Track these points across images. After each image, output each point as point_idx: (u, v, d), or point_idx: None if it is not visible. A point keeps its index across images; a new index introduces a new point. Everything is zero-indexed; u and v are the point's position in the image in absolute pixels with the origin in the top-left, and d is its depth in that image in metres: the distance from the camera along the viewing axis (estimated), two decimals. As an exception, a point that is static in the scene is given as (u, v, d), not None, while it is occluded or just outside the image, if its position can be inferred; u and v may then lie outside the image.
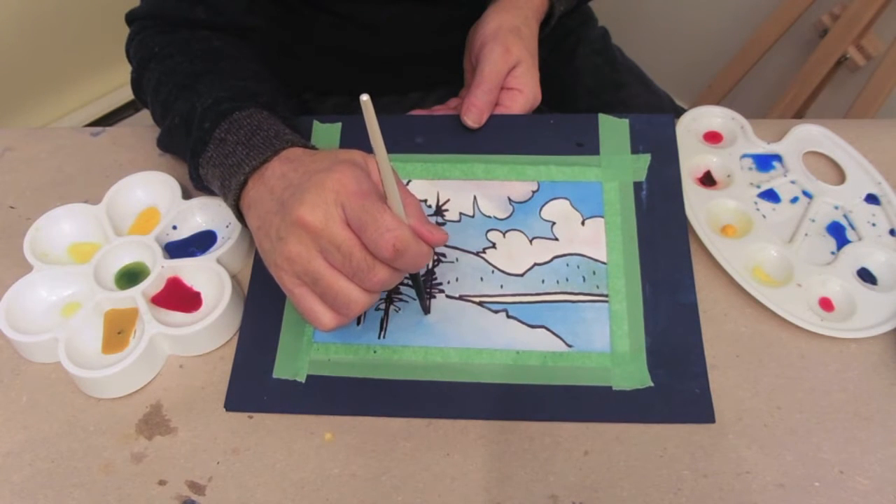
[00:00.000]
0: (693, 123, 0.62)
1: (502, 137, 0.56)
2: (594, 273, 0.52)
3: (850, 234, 0.56)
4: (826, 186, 0.58)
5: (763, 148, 0.60)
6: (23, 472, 0.46)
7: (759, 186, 0.58)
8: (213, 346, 0.51)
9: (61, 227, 0.56)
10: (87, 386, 0.49)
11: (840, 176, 0.59)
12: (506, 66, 0.56)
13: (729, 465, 0.45)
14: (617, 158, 0.55)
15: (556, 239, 0.53)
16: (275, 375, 0.49)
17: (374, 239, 0.39)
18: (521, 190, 0.55)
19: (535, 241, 0.53)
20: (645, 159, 0.55)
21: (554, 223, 0.54)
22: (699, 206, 0.56)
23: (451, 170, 0.56)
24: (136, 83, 0.59)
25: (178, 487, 0.45)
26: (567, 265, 0.52)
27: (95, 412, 0.49)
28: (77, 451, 0.47)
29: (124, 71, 0.61)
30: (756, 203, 0.57)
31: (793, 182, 0.58)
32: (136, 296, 0.51)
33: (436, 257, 0.53)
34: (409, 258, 0.40)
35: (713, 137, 0.62)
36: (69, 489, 0.45)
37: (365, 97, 0.36)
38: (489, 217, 0.54)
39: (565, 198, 0.55)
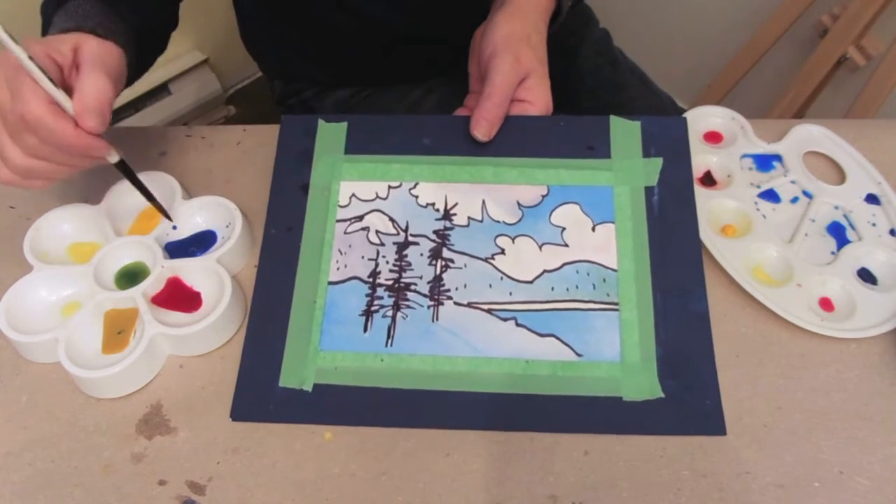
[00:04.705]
0: (693, 123, 0.62)
1: (511, 140, 0.55)
2: (604, 280, 0.51)
3: (850, 234, 0.55)
4: (826, 186, 0.58)
5: (763, 148, 0.60)
6: (23, 472, 0.46)
7: (759, 186, 0.58)
8: (213, 346, 0.51)
9: (61, 227, 0.56)
10: (87, 386, 0.49)
11: (840, 176, 0.59)
12: (516, 78, 0.54)
13: (729, 465, 0.45)
14: (628, 162, 0.54)
15: (566, 245, 0.52)
16: (281, 384, 0.48)
17: (13, 107, 0.44)
18: (530, 194, 0.54)
19: (544, 247, 0.52)
20: (657, 163, 0.53)
21: (564, 228, 0.53)
22: (699, 206, 0.56)
23: (460, 173, 0.55)
24: None
25: (178, 487, 0.45)
26: (577, 272, 0.51)
27: (95, 412, 0.49)
28: (77, 451, 0.47)
29: (124, 71, 0.60)
30: (756, 203, 0.57)
31: (793, 182, 0.58)
32: (137, 296, 0.51)
33: (444, 263, 0.52)
34: (45, 132, 0.44)
35: (713, 137, 0.62)
36: (69, 489, 0.45)
37: None
38: (498, 222, 0.53)
39: (575, 202, 0.53)
